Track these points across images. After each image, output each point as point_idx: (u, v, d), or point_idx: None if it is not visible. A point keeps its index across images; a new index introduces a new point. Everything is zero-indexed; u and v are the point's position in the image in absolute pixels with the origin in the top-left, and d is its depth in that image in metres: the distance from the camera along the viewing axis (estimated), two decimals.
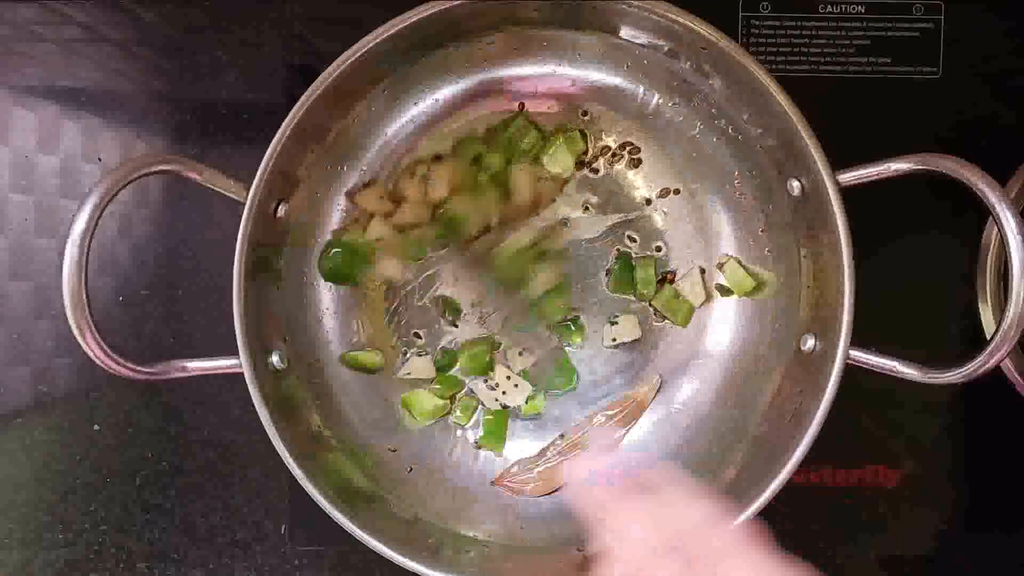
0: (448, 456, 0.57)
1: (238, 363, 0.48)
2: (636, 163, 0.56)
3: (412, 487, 0.55)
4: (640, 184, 0.56)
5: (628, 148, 0.56)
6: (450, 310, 0.56)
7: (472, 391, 0.57)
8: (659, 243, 0.57)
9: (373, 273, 0.56)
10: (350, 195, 0.55)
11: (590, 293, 0.57)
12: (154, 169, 0.46)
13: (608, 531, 0.36)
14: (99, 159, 0.58)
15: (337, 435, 0.54)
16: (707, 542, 0.34)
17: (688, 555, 0.34)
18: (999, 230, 0.44)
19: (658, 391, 0.57)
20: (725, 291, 0.56)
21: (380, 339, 0.57)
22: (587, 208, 0.56)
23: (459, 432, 0.57)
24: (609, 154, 0.56)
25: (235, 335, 0.48)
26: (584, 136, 0.56)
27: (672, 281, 0.56)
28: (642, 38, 0.52)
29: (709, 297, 0.56)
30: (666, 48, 0.52)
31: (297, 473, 0.48)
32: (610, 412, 0.57)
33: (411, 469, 0.56)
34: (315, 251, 0.55)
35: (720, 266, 0.56)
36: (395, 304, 0.57)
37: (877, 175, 0.46)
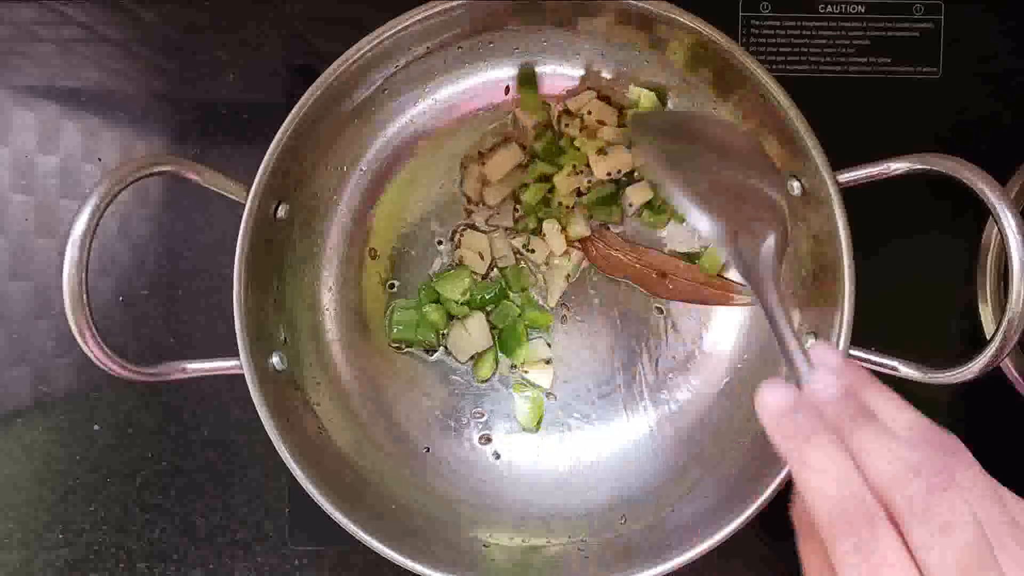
0: (450, 456, 0.57)
1: (238, 364, 0.48)
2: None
3: (413, 486, 0.55)
4: (640, 184, 0.56)
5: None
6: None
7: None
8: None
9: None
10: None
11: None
12: (154, 170, 0.46)
13: (798, 476, 0.31)
14: (99, 159, 0.58)
15: (337, 435, 0.54)
16: (905, 501, 0.29)
17: (880, 510, 0.29)
18: (999, 230, 0.44)
19: None
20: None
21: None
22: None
23: (462, 433, 0.57)
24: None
25: (235, 336, 0.48)
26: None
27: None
28: (642, 38, 0.52)
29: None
30: (666, 48, 0.52)
31: (297, 473, 0.48)
32: None
33: (412, 469, 0.56)
34: (316, 251, 0.56)
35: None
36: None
37: (877, 175, 0.46)
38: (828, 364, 0.35)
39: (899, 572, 0.28)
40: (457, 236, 0.57)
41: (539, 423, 0.57)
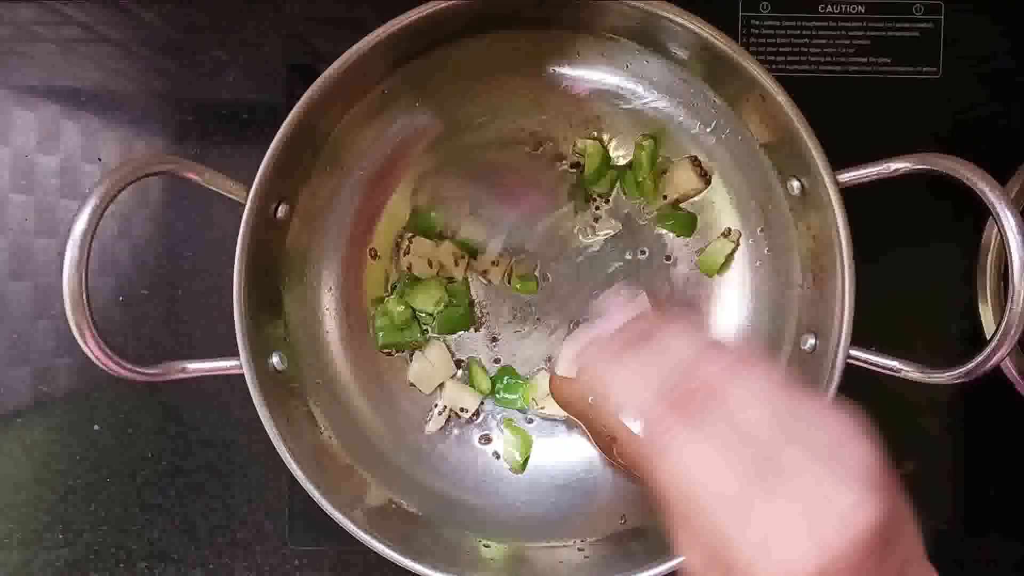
0: (450, 457, 0.57)
1: (238, 364, 0.48)
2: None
3: (413, 486, 0.55)
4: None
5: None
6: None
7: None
8: (661, 243, 0.57)
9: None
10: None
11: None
12: (154, 170, 0.46)
13: (614, 394, 0.34)
14: (99, 159, 0.58)
15: (337, 435, 0.54)
16: (708, 374, 0.32)
17: (695, 394, 0.31)
18: (999, 230, 0.44)
19: None
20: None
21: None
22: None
23: (463, 432, 0.57)
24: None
25: (235, 336, 0.48)
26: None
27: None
28: (642, 38, 0.52)
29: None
30: (666, 48, 0.52)
31: (297, 473, 0.48)
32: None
33: (412, 469, 0.56)
34: (316, 251, 0.56)
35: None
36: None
37: (877, 175, 0.46)
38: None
39: (719, 434, 0.30)
40: (405, 243, 0.57)
41: (525, 464, 0.57)
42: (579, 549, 0.52)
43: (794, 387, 0.32)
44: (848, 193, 0.46)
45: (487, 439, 0.57)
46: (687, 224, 0.56)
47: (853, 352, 0.47)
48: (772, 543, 0.28)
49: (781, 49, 0.58)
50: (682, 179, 0.55)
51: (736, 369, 0.32)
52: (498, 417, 0.57)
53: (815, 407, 0.31)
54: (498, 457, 0.57)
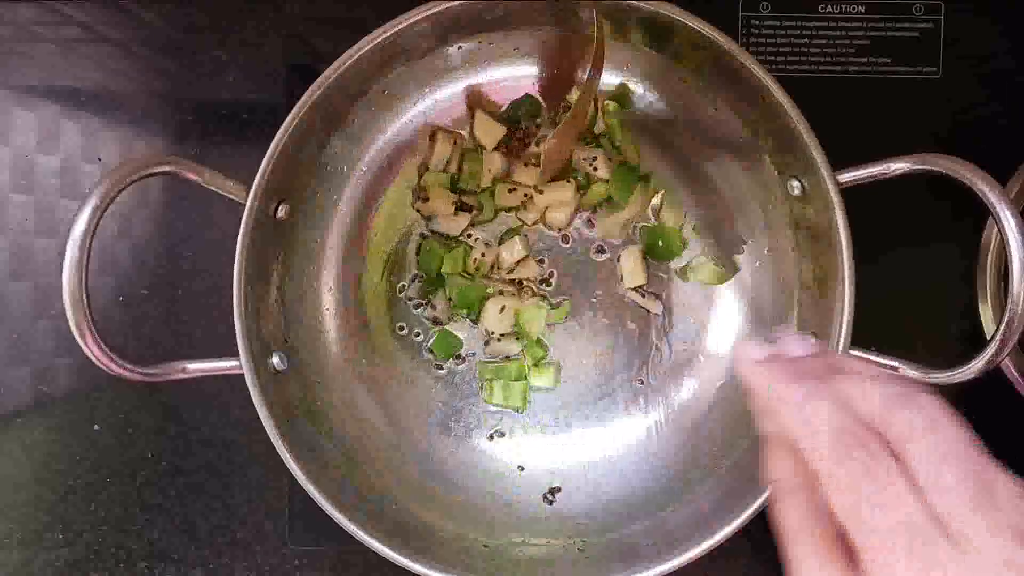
0: (450, 457, 0.57)
1: (238, 364, 0.48)
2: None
3: (413, 486, 0.55)
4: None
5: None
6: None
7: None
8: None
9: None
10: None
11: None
12: (154, 170, 0.46)
13: (788, 416, 0.32)
14: (99, 159, 0.58)
15: (338, 435, 0.54)
16: (896, 428, 0.30)
17: (876, 443, 0.30)
18: (999, 230, 0.44)
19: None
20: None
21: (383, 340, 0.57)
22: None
23: (462, 433, 0.57)
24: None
25: (235, 336, 0.48)
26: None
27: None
28: (642, 37, 0.52)
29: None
30: (666, 47, 0.52)
31: (297, 473, 0.48)
32: None
33: (413, 468, 0.56)
34: (316, 251, 0.56)
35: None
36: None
37: (877, 175, 0.46)
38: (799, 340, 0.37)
39: (904, 491, 0.29)
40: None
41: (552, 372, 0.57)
42: (579, 549, 0.52)
43: (982, 453, 0.31)
44: (848, 193, 0.46)
45: (487, 439, 0.57)
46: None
47: (853, 352, 0.47)
48: None
49: (781, 49, 0.58)
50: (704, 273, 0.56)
51: (927, 425, 0.31)
52: (500, 415, 0.57)
53: (1001, 477, 0.31)
54: (498, 458, 0.57)
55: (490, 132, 0.56)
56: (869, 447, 0.30)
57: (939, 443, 0.30)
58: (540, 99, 0.56)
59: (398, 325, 0.57)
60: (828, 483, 0.30)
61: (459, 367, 0.57)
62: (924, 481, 0.29)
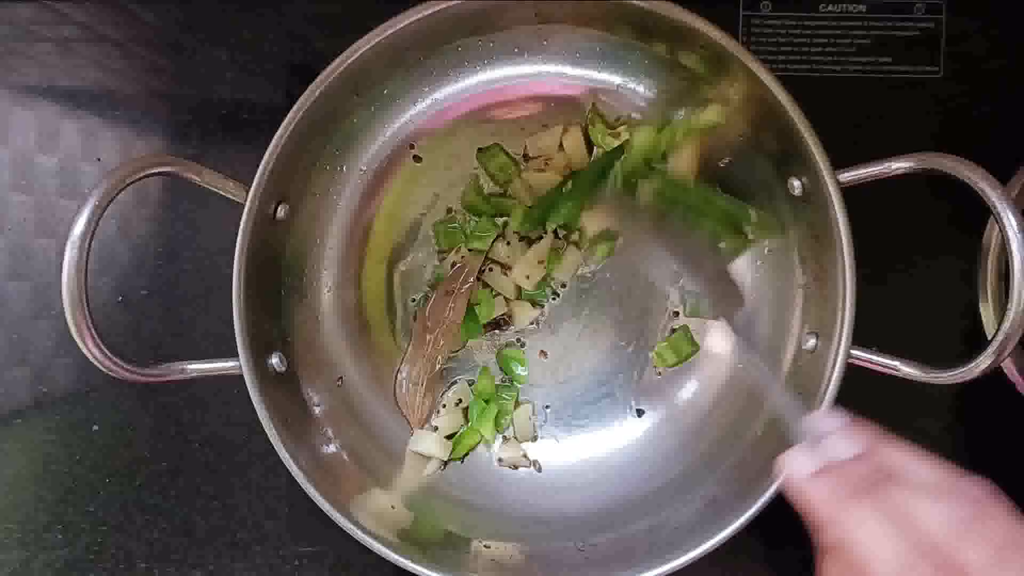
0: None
1: (238, 364, 0.48)
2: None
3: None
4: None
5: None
6: None
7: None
8: None
9: None
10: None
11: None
12: (153, 170, 0.46)
13: (844, 529, 0.32)
14: (99, 159, 0.58)
15: (337, 435, 0.54)
16: (958, 541, 0.31)
17: (940, 555, 0.30)
18: (1000, 230, 0.44)
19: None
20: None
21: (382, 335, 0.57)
22: None
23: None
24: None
25: (235, 336, 0.48)
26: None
27: None
28: (642, 37, 0.52)
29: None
30: (666, 47, 0.52)
31: (297, 473, 0.48)
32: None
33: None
34: (316, 251, 0.56)
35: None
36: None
37: (878, 174, 0.46)
38: (837, 426, 0.36)
39: None
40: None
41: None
42: (579, 549, 0.52)
43: None
44: (848, 193, 0.46)
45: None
46: None
47: (854, 352, 0.47)
48: None
49: (781, 49, 0.58)
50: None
51: (999, 556, 0.31)
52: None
53: None
54: (499, 458, 0.57)
55: None
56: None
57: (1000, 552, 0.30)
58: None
59: (398, 325, 0.57)
60: None
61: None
62: None
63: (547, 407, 0.58)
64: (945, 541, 0.31)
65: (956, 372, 0.46)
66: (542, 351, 0.58)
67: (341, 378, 0.56)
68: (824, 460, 0.35)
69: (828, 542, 0.34)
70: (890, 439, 0.37)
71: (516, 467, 0.57)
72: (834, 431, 0.37)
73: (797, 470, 0.35)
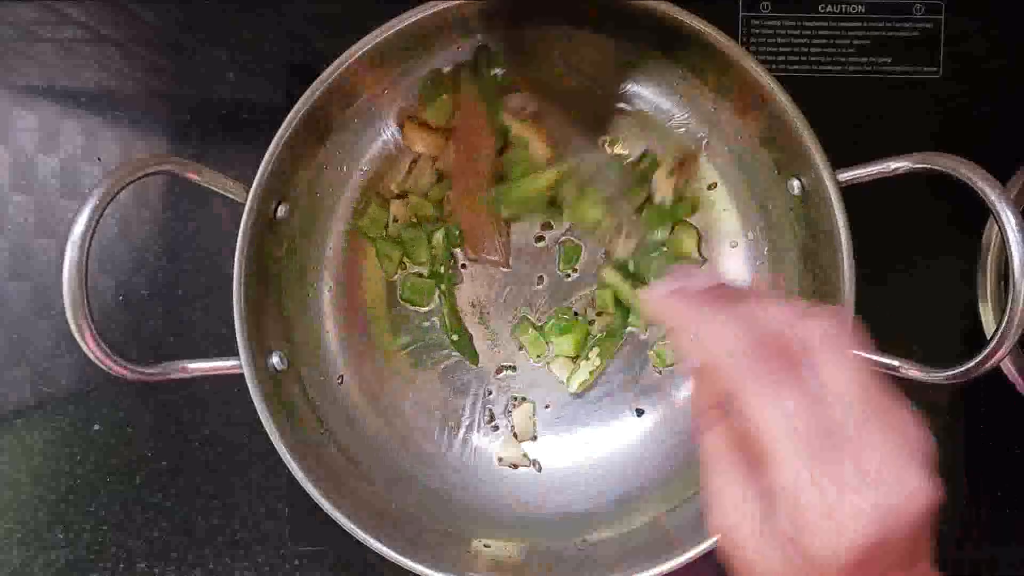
0: (450, 457, 0.57)
1: (238, 364, 0.48)
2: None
3: (413, 486, 0.55)
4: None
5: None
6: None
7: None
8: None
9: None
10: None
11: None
12: (154, 170, 0.46)
13: (697, 341, 0.33)
14: (99, 159, 0.58)
15: (338, 435, 0.54)
16: (800, 338, 0.32)
17: (782, 355, 0.31)
18: (999, 229, 0.44)
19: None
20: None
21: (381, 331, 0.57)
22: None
23: (462, 433, 0.57)
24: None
25: (235, 336, 0.48)
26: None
27: None
28: (642, 37, 0.52)
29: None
30: (665, 46, 0.52)
31: (297, 473, 0.48)
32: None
33: (413, 468, 0.56)
34: (316, 251, 0.56)
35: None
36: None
37: (877, 174, 0.46)
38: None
39: (810, 402, 0.30)
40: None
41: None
42: (579, 548, 0.52)
43: (874, 370, 0.32)
44: (848, 193, 0.46)
45: (488, 438, 0.57)
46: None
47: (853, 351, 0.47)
48: (836, 506, 0.29)
49: (781, 49, 0.58)
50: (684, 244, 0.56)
51: (832, 336, 0.32)
52: (501, 415, 0.57)
53: (890, 391, 0.32)
54: (499, 458, 0.57)
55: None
56: (774, 361, 0.31)
57: (840, 358, 0.31)
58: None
59: (399, 325, 0.57)
60: (740, 400, 0.31)
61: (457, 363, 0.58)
62: (831, 392, 0.30)
63: (547, 407, 0.58)
64: (769, 328, 0.32)
65: (956, 372, 0.46)
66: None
67: (342, 377, 0.56)
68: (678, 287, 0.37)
69: (692, 363, 0.35)
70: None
71: (516, 466, 0.57)
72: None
73: (651, 295, 0.36)
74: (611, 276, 0.56)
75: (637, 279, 0.56)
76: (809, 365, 0.31)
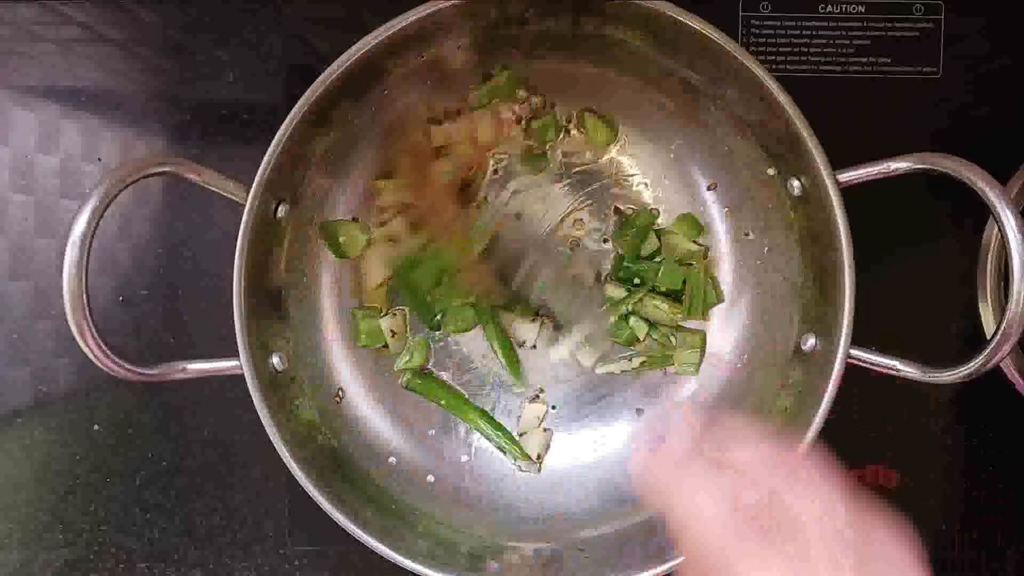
0: (450, 457, 0.57)
1: (238, 364, 0.48)
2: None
3: (413, 486, 0.55)
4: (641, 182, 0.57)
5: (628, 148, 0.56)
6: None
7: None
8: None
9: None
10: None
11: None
12: (154, 170, 0.46)
13: (680, 511, 0.35)
14: (99, 159, 0.58)
15: (337, 435, 0.54)
16: (774, 491, 0.33)
17: (766, 518, 0.33)
18: (999, 229, 0.44)
19: None
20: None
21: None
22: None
23: (462, 433, 0.57)
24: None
25: (235, 336, 0.48)
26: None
27: None
28: (642, 37, 0.52)
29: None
30: (666, 47, 0.52)
31: (297, 473, 0.48)
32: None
33: (413, 468, 0.56)
34: (316, 251, 0.56)
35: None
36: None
37: (877, 174, 0.46)
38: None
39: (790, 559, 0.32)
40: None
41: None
42: (579, 549, 0.52)
43: (862, 510, 0.33)
44: (848, 193, 0.46)
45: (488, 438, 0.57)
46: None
47: (853, 352, 0.47)
48: None
49: (781, 49, 0.58)
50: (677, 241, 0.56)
51: (806, 492, 0.33)
52: (501, 415, 0.57)
53: (882, 536, 0.33)
54: (499, 458, 0.57)
55: None
56: (754, 532, 0.32)
57: (815, 506, 0.33)
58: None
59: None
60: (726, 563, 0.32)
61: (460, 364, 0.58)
62: (813, 553, 0.32)
63: (553, 407, 0.58)
64: (744, 485, 0.34)
65: (955, 372, 0.46)
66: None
67: (342, 378, 0.56)
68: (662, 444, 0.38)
69: (664, 516, 0.36)
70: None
71: (520, 468, 0.57)
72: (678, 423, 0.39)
73: (636, 463, 0.39)
74: (614, 291, 0.56)
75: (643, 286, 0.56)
76: (790, 520, 0.32)
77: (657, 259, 0.56)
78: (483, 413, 0.57)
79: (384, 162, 0.56)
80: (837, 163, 0.47)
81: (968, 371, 0.45)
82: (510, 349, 0.57)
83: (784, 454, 0.35)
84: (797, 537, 0.32)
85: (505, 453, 0.57)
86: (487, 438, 0.57)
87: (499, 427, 0.57)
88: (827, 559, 0.31)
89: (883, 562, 0.32)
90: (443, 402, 0.57)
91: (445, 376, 0.57)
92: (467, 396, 0.57)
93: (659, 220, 0.56)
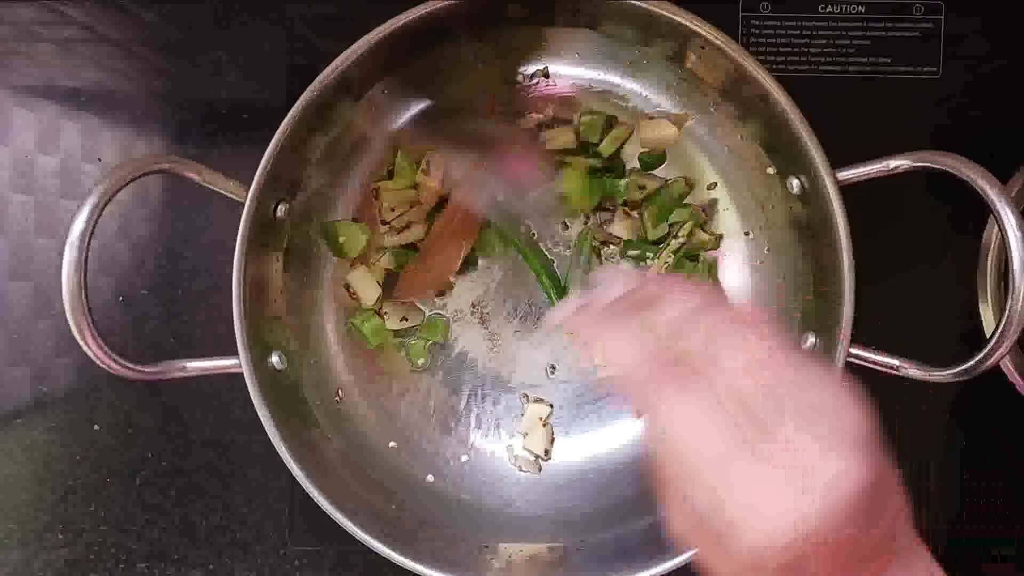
0: (450, 456, 0.57)
1: (238, 363, 0.48)
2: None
3: (413, 487, 0.55)
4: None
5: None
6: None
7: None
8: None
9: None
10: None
11: None
12: (154, 169, 0.46)
13: (608, 359, 0.34)
14: (99, 159, 0.58)
15: (337, 435, 0.54)
16: (704, 334, 0.32)
17: (689, 355, 0.31)
18: (999, 228, 0.44)
19: None
20: None
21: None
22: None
23: (462, 433, 0.57)
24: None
25: (235, 335, 0.48)
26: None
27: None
28: (642, 37, 0.52)
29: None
30: (666, 47, 0.52)
31: (297, 473, 0.48)
32: None
33: (412, 469, 0.56)
34: (315, 251, 0.56)
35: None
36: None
37: (877, 173, 0.46)
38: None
39: (708, 396, 0.30)
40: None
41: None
42: (579, 549, 0.52)
43: (790, 350, 0.31)
44: (848, 193, 0.46)
45: (487, 438, 0.57)
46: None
47: (853, 351, 0.47)
48: (757, 507, 0.28)
49: (781, 49, 0.58)
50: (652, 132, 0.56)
51: (732, 331, 0.32)
52: (501, 415, 0.57)
53: (809, 372, 0.31)
54: (499, 458, 0.57)
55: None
56: (673, 368, 0.31)
57: (740, 351, 0.31)
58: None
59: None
60: (647, 412, 0.32)
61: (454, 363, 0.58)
62: (738, 388, 0.30)
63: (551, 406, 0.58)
64: (669, 336, 0.32)
65: (955, 371, 0.46)
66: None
67: (341, 377, 0.56)
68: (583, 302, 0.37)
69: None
70: (657, 278, 0.39)
71: (521, 468, 0.57)
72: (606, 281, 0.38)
73: (558, 311, 0.37)
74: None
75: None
76: (714, 361, 0.31)
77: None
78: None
79: (384, 162, 0.56)
80: (837, 163, 0.47)
81: (969, 369, 0.45)
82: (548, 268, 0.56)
83: (717, 309, 0.33)
84: (723, 373, 0.31)
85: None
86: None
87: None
88: (754, 399, 0.30)
89: (817, 416, 0.29)
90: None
91: (443, 375, 0.57)
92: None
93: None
